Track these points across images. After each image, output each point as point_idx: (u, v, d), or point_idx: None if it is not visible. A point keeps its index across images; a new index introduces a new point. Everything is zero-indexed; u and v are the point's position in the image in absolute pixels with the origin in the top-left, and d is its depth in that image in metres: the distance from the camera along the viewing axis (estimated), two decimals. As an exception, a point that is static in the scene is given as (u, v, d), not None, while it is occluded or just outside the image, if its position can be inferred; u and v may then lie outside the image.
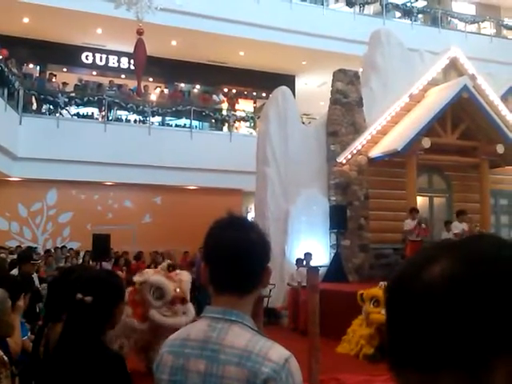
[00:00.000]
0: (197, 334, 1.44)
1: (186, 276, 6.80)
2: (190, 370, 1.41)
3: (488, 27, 23.19)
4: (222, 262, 1.45)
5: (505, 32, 23.19)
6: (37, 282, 7.56)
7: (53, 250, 14.20)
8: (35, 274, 7.52)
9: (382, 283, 8.25)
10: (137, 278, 6.65)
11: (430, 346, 0.62)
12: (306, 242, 11.82)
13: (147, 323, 6.37)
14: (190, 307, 6.59)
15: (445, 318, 0.62)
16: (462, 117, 12.35)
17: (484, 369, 0.60)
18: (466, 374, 0.61)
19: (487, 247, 0.67)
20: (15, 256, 9.20)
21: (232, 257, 1.43)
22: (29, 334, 4.05)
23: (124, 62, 19.29)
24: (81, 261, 13.14)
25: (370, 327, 7.95)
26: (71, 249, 14.39)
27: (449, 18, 22.32)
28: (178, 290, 6.41)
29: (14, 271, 6.26)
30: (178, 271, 7.14)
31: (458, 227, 10.85)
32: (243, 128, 18.82)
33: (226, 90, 20.64)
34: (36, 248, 13.72)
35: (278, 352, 1.36)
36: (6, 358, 2.45)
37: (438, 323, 0.62)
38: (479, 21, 22.90)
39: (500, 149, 12.13)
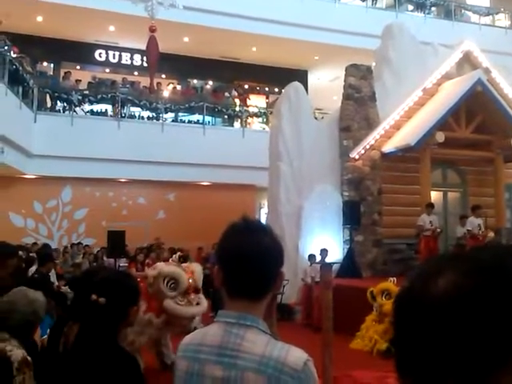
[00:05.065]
0: (212, 340, 1.43)
1: (197, 267, 6.81)
2: (205, 376, 1.41)
3: (503, 19, 22.88)
4: (237, 267, 1.44)
5: (520, 24, 22.90)
6: (54, 278, 7.64)
7: (69, 247, 14.36)
8: (53, 270, 7.59)
9: (391, 279, 8.25)
10: (150, 272, 6.67)
11: (434, 358, 0.64)
12: (320, 238, 11.81)
13: (163, 316, 6.37)
14: (203, 297, 6.58)
15: (450, 331, 0.63)
16: (476, 110, 12.23)
17: (487, 380, 0.62)
18: None
19: (491, 258, 0.68)
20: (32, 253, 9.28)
21: (247, 262, 1.43)
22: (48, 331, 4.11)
23: (137, 59, 19.38)
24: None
25: (384, 321, 7.92)
26: (87, 245, 14.52)
27: (462, 11, 22.05)
28: (190, 280, 6.41)
29: (32, 269, 6.31)
30: (188, 263, 7.17)
31: (474, 223, 10.77)
32: (256, 124, 18.81)
33: (238, 85, 20.65)
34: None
35: (296, 356, 1.36)
36: (29, 359, 2.50)
37: (443, 336, 0.63)
38: (493, 13, 22.62)
39: (515, 143, 12.02)
